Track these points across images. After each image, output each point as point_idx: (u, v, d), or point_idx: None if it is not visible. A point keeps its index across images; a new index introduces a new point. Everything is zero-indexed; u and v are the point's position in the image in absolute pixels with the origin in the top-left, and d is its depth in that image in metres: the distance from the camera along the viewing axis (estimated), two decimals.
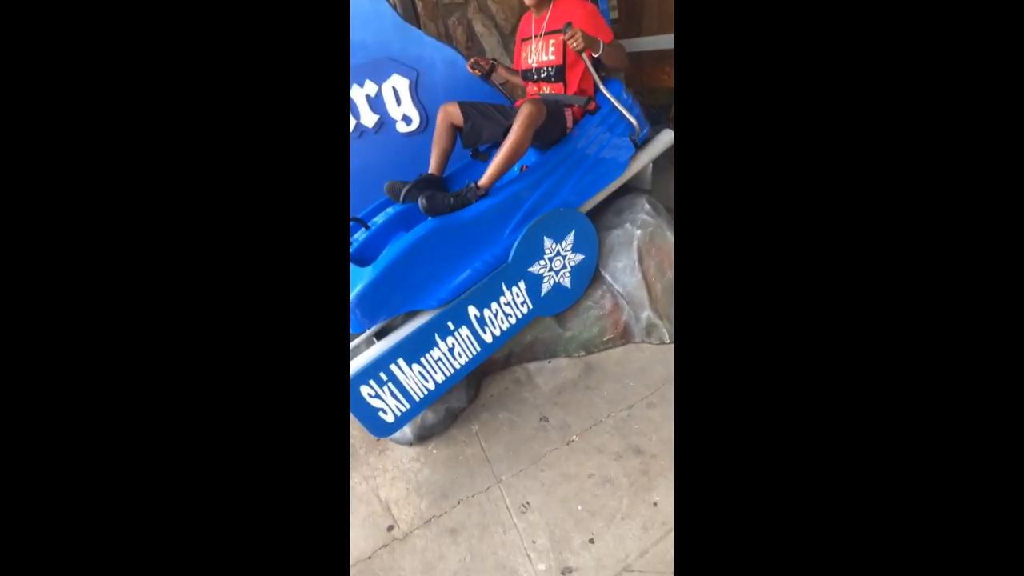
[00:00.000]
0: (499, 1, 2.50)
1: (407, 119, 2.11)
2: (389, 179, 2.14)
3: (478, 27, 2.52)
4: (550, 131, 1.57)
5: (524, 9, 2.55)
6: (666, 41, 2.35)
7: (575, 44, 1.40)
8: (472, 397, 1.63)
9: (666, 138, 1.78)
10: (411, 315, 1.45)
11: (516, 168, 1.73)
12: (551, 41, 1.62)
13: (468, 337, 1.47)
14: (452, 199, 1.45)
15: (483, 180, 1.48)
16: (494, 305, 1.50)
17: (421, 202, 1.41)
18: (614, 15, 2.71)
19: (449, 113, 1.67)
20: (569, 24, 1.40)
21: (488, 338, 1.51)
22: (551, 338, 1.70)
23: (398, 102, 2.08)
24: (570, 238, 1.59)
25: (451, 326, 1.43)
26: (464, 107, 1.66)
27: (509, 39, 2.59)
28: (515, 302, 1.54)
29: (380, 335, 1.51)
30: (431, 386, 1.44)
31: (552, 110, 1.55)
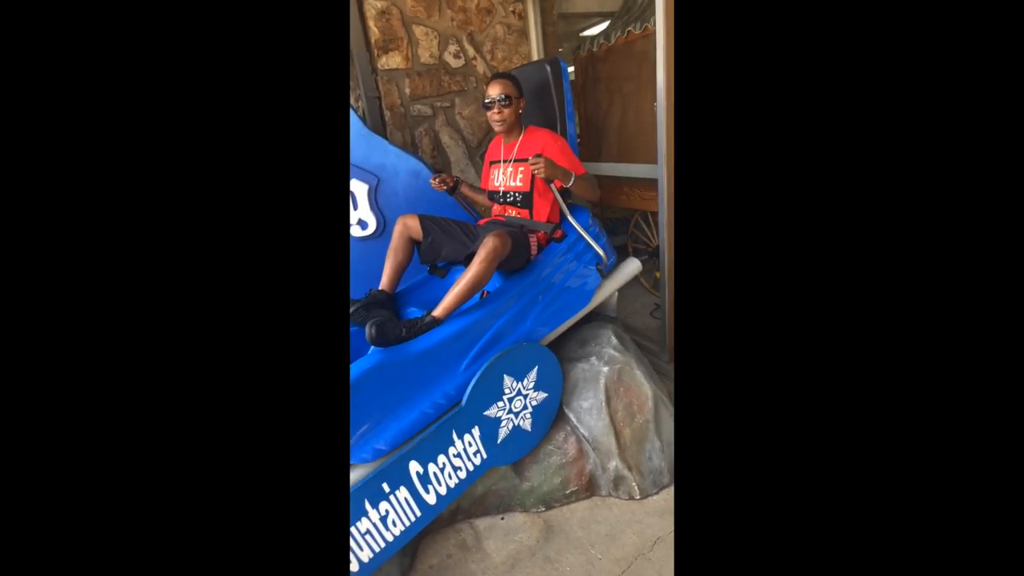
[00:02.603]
0: (467, 117, 2.55)
1: (363, 223, 1.99)
2: None
3: (445, 138, 2.53)
4: (514, 258, 1.48)
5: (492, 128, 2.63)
6: (623, 169, 2.46)
7: (539, 172, 1.36)
8: (406, 569, 1.31)
9: (631, 267, 1.72)
10: None
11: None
12: (520, 169, 1.58)
13: (407, 500, 1.20)
14: (405, 329, 1.27)
15: (438, 311, 1.33)
16: (441, 458, 1.26)
17: (369, 331, 1.21)
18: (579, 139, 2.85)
19: (408, 226, 1.55)
20: (538, 155, 1.37)
21: (431, 499, 1.25)
22: (506, 490, 1.46)
23: (355, 206, 1.97)
24: (532, 375, 1.42)
25: (386, 488, 1.17)
26: (424, 221, 1.55)
27: (475, 152, 2.61)
28: (467, 452, 1.31)
29: None
30: (354, 568, 1.13)
31: (517, 237, 1.47)
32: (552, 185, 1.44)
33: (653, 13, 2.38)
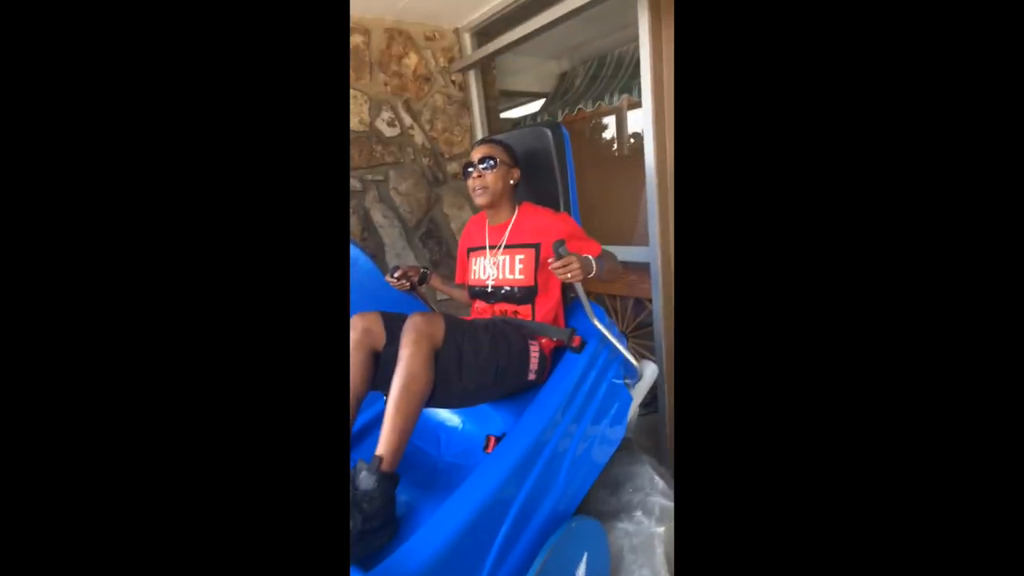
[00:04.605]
0: (404, 193, 2.13)
1: None
2: None
3: (377, 217, 2.07)
4: (505, 370, 1.05)
5: (433, 203, 2.24)
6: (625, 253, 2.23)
7: (569, 274, 0.97)
8: None
9: (649, 372, 1.36)
10: None
11: (479, 434, 1.09)
12: (518, 257, 1.18)
13: None
14: (360, 516, 0.79)
15: (383, 449, 0.85)
16: None
17: None
18: None
19: (369, 331, 1.03)
20: (561, 243, 0.99)
21: None
22: None
23: None
24: (582, 568, 0.93)
25: None
26: (390, 321, 1.05)
27: (413, 232, 2.18)
28: None
29: None
30: None
31: (504, 338, 1.06)
32: (578, 286, 1.05)
33: (613, 91, 2.30)
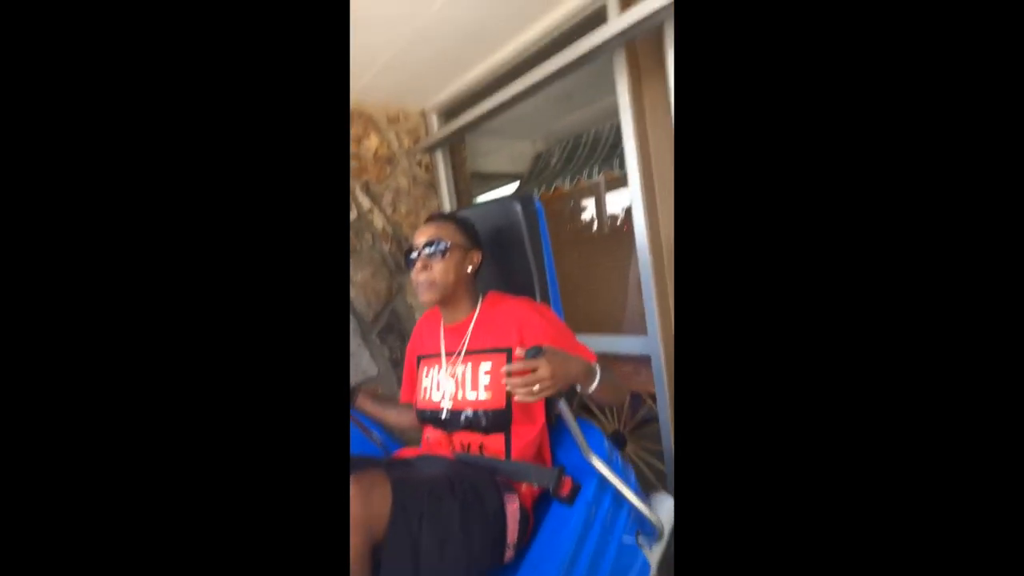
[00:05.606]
0: (360, 283, 1.86)
1: None
2: None
3: None
4: (480, 555, 0.70)
5: (394, 293, 1.96)
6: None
7: (540, 390, 0.68)
8: None
9: (666, 514, 1.01)
10: None
11: None
12: (483, 366, 0.88)
13: None
14: None
15: None
16: None
17: None
18: None
19: None
20: (537, 349, 0.69)
21: None
22: None
23: None
24: None
25: None
26: None
27: (370, 329, 1.87)
28: None
29: None
30: None
31: (478, 501, 0.72)
32: (562, 404, 0.74)
33: (592, 167, 2.16)
